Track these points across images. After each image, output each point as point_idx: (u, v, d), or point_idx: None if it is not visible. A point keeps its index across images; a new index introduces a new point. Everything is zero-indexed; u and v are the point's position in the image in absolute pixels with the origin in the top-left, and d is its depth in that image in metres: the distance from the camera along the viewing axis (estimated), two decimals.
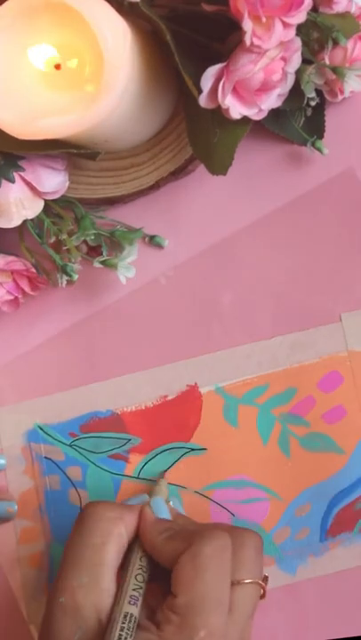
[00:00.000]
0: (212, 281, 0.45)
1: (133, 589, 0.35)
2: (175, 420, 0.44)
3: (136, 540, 0.37)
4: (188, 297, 0.45)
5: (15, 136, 0.35)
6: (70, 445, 0.45)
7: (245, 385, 0.44)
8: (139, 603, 0.34)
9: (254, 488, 0.44)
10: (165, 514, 0.38)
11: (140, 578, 0.35)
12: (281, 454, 0.44)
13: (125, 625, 0.33)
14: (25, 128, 0.35)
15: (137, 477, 0.44)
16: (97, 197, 0.44)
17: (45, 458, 0.45)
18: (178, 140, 0.43)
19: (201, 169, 0.45)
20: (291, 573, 0.44)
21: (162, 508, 0.39)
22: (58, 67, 0.37)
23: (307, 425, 0.44)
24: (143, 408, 0.45)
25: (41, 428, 0.45)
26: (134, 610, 0.34)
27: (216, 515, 0.44)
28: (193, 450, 0.44)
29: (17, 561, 0.44)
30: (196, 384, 0.45)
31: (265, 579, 0.36)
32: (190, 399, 0.45)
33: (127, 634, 0.32)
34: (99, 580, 0.34)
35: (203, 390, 0.45)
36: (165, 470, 0.44)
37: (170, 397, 0.45)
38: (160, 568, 0.36)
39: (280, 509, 0.44)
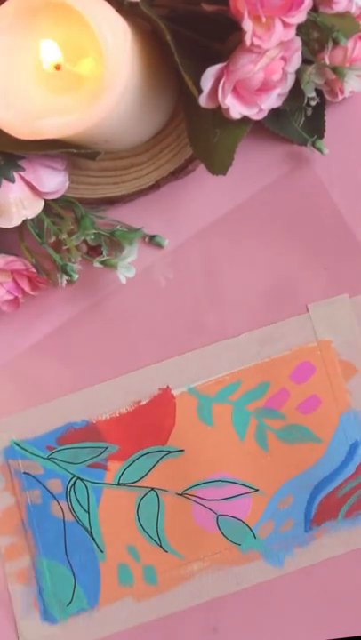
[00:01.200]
0: (179, 281, 0.45)
1: None
2: (150, 424, 0.45)
3: None
4: (154, 300, 0.46)
5: (15, 136, 0.35)
6: (48, 459, 0.45)
7: (218, 383, 0.45)
8: None
9: (235, 485, 0.44)
10: None
11: None
12: (259, 449, 0.44)
13: None
14: (25, 128, 0.35)
15: (117, 484, 0.45)
16: (97, 197, 0.43)
17: (24, 473, 0.45)
18: (178, 140, 0.43)
19: (201, 169, 0.45)
20: (278, 566, 0.44)
21: None
22: (58, 67, 0.37)
23: (282, 418, 0.44)
24: (118, 415, 0.45)
25: (17, 444, 0.45)
26: None
27: (199, 515, 0.44)
28: (171, 452, 0.44)
29: (3, 578, 0.45)
30: (168, 387, 0.45)
31: None
32: (164, 402, 0.45)
33: None
34: None
35: (175, 392, 0.45)
36: None
37: (143, 402, 0.45)
38: None
39: (262, 504, 0.44)
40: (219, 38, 0.36)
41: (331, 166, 0.45)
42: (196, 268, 0.45)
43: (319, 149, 0.43)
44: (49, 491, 0.45)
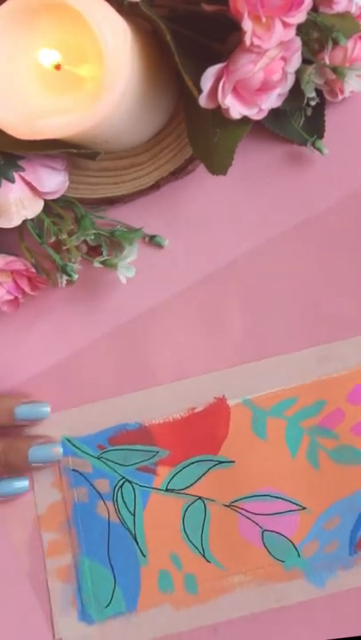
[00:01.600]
0: (233, 291, 0.45)
1: None
2: (203, 432, 0.44)
3: None
4: (211, 307, 0.45)
5: (15, 136, 0.35)
6: (98, 458, 0.45)
7: (274, 397, 0.44)
8: None
9: (283, 501, 0.44)
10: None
11: None
12: (310, 467, 0.44)
13: None
14: (25, 128, 0.35)
15: (165, 490, 0.44)
16: (97, 197, 0.43)
17: (73, 470, 0.45)
18: (178, 139, 0.43)
19: (201, 169, 0.45)
20: (320, 586, 0.44)
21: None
22: (58, 67, 0.37)
23: (336, 437, 0.44)
24: (171, 420, 0.45)
25: (69, 441, 0.45)
26: None
27: (245, 528, 0.44)
28: (221, 462, 0.44)
29: (44, 574, 0.45)
30: (223, 396, 0.45)
31: None
32: (218, 411, 0.44)
33: None
34: None
35: (231, 403, 0.44)
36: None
37: (198, 410, 0.45)
38: None
39: (309, 522, 0.44)
40: (219, 38, 0.36)
41: (331, 166, 0.45)
42: (245, 280, 0.45)
43: (319, 149, 0.43)
44: (97, 490, 0.45)
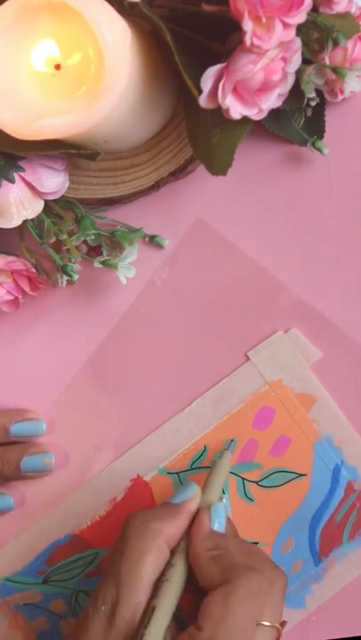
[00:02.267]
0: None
1: (158, 580, 0.35)
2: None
3: (178, 546, 0.37)
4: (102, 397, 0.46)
5: (15, 136, 0.35)
6: (44, 583, 0.44)
7: (186, 455, 0.45)
8: (162, 591, 0.35)
9: None
10: (222, 525, 0.38)
11: (167, 566, 0.36)
12: (246, 504, 0.44)
13: (145, 618, 0.33)
14: (25, 128, 0.35)
15: None
16: (97, 197, 0.43)
17: (25, 605, 0.45)
18: (178, 139, 0.43)
19: (201, 169, 0.45)
20: (301, 607, 0.44)
21: (220, 518, 0.38)
22: (58, 67, 0.37)
23: (259, 466, 0.44)
24: (98, 519, 0.45)
25: (9, 580, 0.45)
26: (154, 601, 0.34)
27: None
28: None
29: None
30: (138, 475, 0.45)
31: (283, 623, 0.36)
32: (139, 491, 0.44)
33: (144, 630, 0.33)
34: (132, 595, 0.35)
35: (147, 478, 0.45)
36: (230, 443, 0.44)
37: (119, 498, 0.45)
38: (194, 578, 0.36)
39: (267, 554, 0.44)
40: (219, 38, 0.36)
41: (331, 166, 0.45)
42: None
43: (319, 149, 0.43)
44: (54, 613, 0.45)
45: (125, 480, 0.44)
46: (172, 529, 0.37)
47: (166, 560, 0.36)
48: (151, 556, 0.35)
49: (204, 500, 0.39)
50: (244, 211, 0.46)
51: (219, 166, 0.38)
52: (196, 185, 0.46)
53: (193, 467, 0.44)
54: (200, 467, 0.44)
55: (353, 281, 0.45)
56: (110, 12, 0.34)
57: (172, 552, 0.37)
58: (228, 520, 0.39)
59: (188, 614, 0.37)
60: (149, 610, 0.34)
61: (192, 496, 0.39)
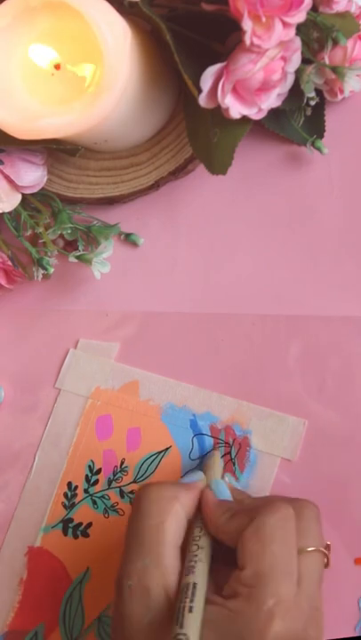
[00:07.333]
0: None
1: (190, 560, 0.34)
2: (47, 584, 0.44)
3: (195, 519, 0.37)
4: None
5: (15, 136, 0.35)
6: None
7: (58, 502, 0.45)
8: (197, 569, 0.34)
9: None
10: (226, 494, 0.38)
11: (194, 547, 0.35)
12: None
13: (188, 595, 0.32)
14: (25, 128, 0.35)
15: None
16: (96, 197, 0.43)
17: None
18: (178, 139, 0.43)
19: (201, 169, 0.45)
20: None
21: (222, 489, 0.39)
22: (57, 67, 0.37)
23: (126, 469, 0.45)
24: (18, 605, 0.44)
25: None
26: (193, 578, 0.33)
27: None
28: (81, 581, 0.44)
29: None
30: (28, 547, 0.45)
31: (327, 547, 0.36)
32: (39, 558, 0.44)
33: (191, 604, 0.32)
34: (161, 560, 0.34)
35: (37, 544, 0.45)
36: (216, 443, 0.44)
37: (25, 575, 0.44)
38: (226, 549, 0.36)
39: None
40: (219, 38, 0.36)
41: (331, 166, 0.45)
42: None
43: (319, 149, 0.43)
44: None
45: (20, 558, 0.45)
46: (186, 496, 0.37)
47: (185, 527, 0.36)
48: (170, 521, 0.35)
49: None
50: (243, 210, 0.46)
51: (219, 166, 0.38)
52: (195, 185, 0.46)
53: (68, 505, 0.45)
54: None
55: (353, 280, 0.45)
56: (110, 11, 0.34)
57: (190, 527, 0.37)
58: (236, 489, 0.40)
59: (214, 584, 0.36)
60: (189, 586, 0.33)
61: (198, 478, 0.39)
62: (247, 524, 0.34)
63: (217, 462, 0.42)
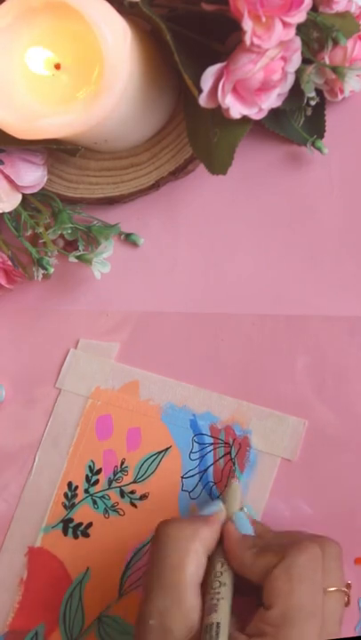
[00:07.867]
0: None
1: (212, 598, 0.35)
2: (47, 584, 0.44)
3: (215, 553, 0.37)
4: None
5: (15, 136, 0.35)
6: None
7: (58, 502, 0.45)
8: (220, 608, 0.34)
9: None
10: (248, 528, 0.38)
11: (216, 584, 0.35)
12: (140, 504, 0.44)
13: (213, 636, 0.33)
14: (25, 128, 0.35)
15: None
16: (97, 197, 0.44)
17: None
18: (178, 139, 0.43)
19: (201, 169, 0.45)
20: None
21: (244, 522, 0.38)
22: (58, 66, 0.37)
23: (126, 469, 0.44)
24: (18, 605, 0.44)
25: None
26: (216, 618, 0.34)
27: None
28: (81, 581, 0.44)
29: None
30: (29, 547, 0.45)
31: (348, 585, 0.36)
32: (39, 559, 0.44)
33: None
34: (182, 600, 0.34)
35: (38, 544, 0.44)
36: (234, 470, 0.44)
37: (25, 575, 0.44)
38: (247, 583, 0.36)
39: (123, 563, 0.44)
40: (219, 38, 0.36)
41: (331, 166, 0.45)
42: None
43: (319, 149, 0.43)
44: None
45: (21, 558, 0.45)
46: (206, 532, 0.37)
47: (204, 565, 0.36)
48: (191, 560, 0.35)
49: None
50: (244, 210, 0.46)
51: (219, 166, 0.38)
52: (196, 185, 0.46)
53: (68, 505, 0.45)
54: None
55: (353, 280, 0.45)
56: (110, 11, 0.34)
57: (210, 562, 0.37)
58: (256, 522, 0.40)
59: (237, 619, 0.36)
60: (213, 626, 0.33)
61: (218, 509, 0.39)
62: (275, 563, 0.34)
63: (238, 493, 0.41)
